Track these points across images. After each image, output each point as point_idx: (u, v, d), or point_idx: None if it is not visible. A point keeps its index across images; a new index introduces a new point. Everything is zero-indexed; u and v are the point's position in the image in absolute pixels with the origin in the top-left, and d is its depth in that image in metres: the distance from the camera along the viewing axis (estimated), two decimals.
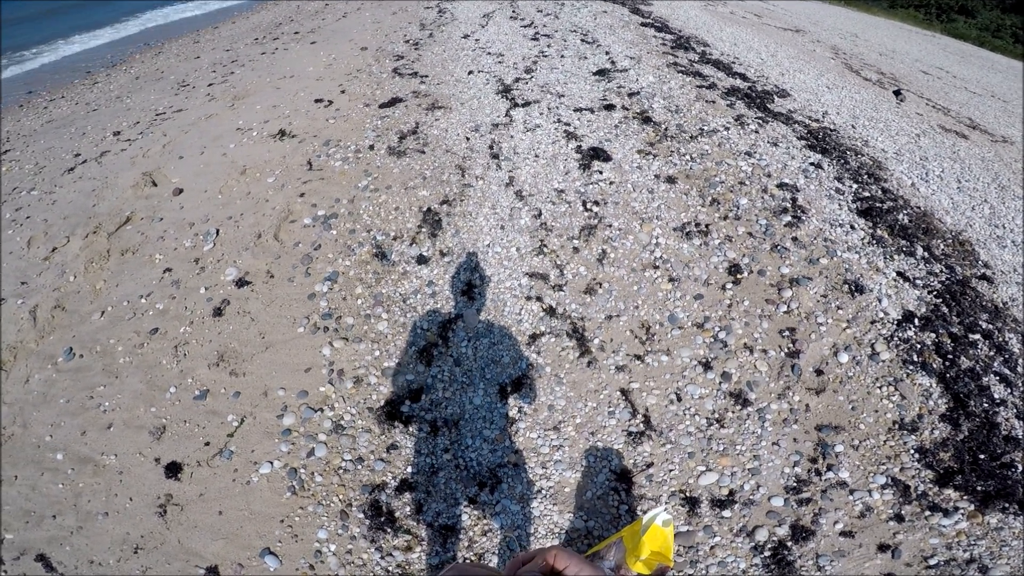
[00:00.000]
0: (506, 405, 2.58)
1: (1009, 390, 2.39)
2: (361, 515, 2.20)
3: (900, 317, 2.67)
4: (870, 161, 4.00)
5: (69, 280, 3.35)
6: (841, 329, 2.65)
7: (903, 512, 2.04)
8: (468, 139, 4.19)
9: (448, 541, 2.15)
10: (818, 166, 3.74)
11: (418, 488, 2.30)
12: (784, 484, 2.19)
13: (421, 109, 4.65)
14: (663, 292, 2.96)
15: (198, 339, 2.87)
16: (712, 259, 3.07)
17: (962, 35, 12.73)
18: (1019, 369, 2.48)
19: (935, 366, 2.46)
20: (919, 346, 2.54)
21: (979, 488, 2.06)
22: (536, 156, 3.96)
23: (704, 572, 1.99)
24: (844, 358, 2.54)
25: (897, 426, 2.29)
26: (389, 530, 2.16)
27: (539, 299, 2.99)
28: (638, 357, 2.71)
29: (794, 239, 3.11)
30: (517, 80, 5.13)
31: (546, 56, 5.72)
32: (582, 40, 6.17)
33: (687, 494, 2.22)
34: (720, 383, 2.55)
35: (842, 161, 3.87)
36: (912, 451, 2.21)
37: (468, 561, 2.06)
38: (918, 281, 2.87)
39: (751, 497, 2.17)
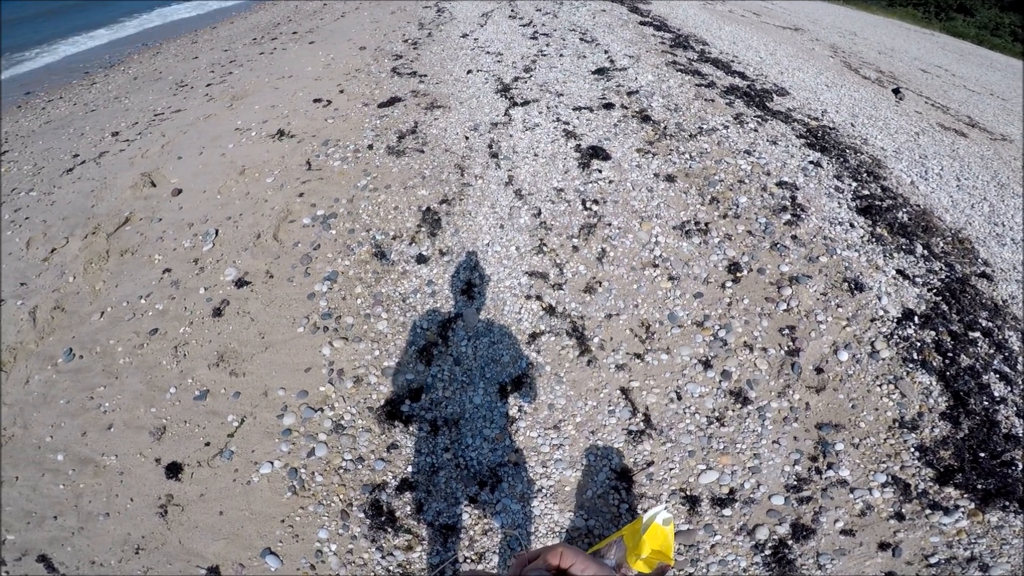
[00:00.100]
0: (506, 404, 2.58)
1: (1009, 388, 2.39)
2: (362, 515, 2.20)
3: (900, 315, 2.67)
4: (869, 159, 4.00)
5: (68, 281, 3.34)
6: (841, 327, 2.65)
7: (903, 510, 2.05)
8: (467, 138, 4.19)
9: (449, 540, 2.15)
10: (817, 164, 3.74)
11: (418, 487, 2.30)
12: (784, 482, 2.19)
13: (420, 108, 4.65)
14: (663, 290, 2.96)
15: (198, 339, 2.87)
16: (712, 257, 3.07)
17: (961, 33, 12.73)
18: (1019, 367, 2.49)
19: (935, 364, 2.47)
20: (919, 344, 2.54)
21: (979, 486, 2.06)
22: (535, 155, 3.95)
23: (705, 571, 2.00)
24: (844, 356, 2.54)
25: (897, 424, 2.29)
26: (390, 529, 2.16)
27: (539, 298, 2.99)
28: (638, 356, 2.71)
29: (794, 237, 3.11)
30: (516, 79, 5.12)
31: (545, 55, 5.72)
32: (581, 39, 6.17)
33: (687, 493, 2.22)
34: (720, 381, 2.56)
35: (841, 159, 3.87)
36: (912, 449, 2.21)
37: (471, 568, 2.06)
38: (918, 279, 2.88)
39: (751, 495, 2.17)
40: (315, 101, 4.96)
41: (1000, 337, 2.62)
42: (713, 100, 4.56)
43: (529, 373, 2.68)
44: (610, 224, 3.33)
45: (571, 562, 0.58)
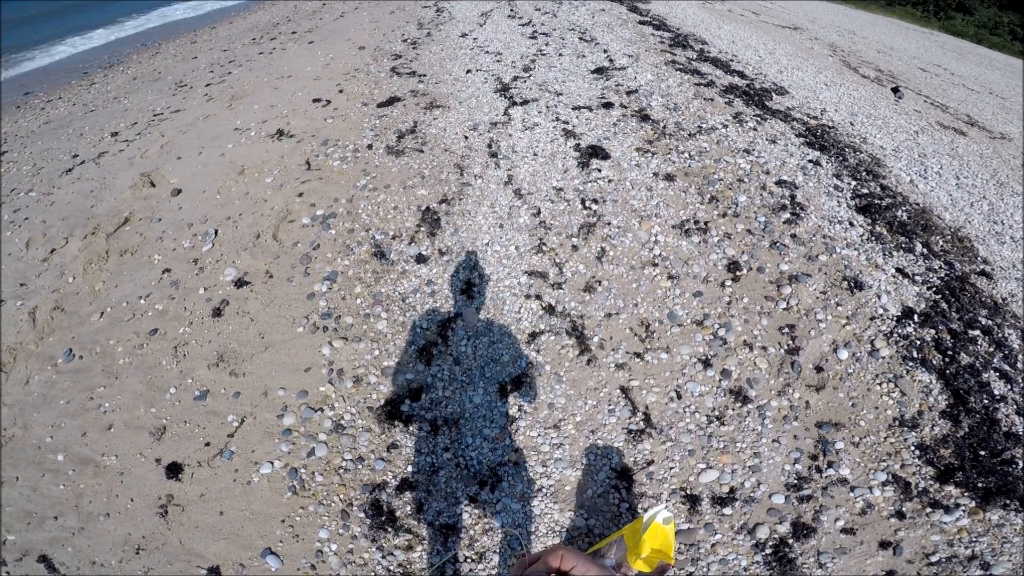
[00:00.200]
0: (506, 404, 2.58)
1: (1009, 386, 2.39)
2: (362, 514, 2.20)
3: (900, 313, 2.67)
4: (868, 158, 4.00)
5: (68, 281, 3.34)
6: (841, 326, 2.65)
7: (904, 509, 2.05)
8: (467, 138, 4.18)
9: (449, 540, 2.15)
10: (816, 163, 3.74)
11: (419, 487, 2.30)
12: (785, 481, 2.19)
13: (419, 108, 4.65)
14: (662, 290, 2.96)
15: (198, 339, 2.87)
16: (711, 256, 3.07)
17: (960, 32, 12.74)
18: (1019, 365, 2.49)
19: (935, 362, 2.47)
20: (919, 342, 2.54)
21: (980, 485, 2.06)
22: (535, 154, 3.95)
23: (705, 570, 1.99)
24: (844, 355, 2.54)
25: (897, 423, 2.29)
26: (390, 529, 2.16)
27: (538, 297, 2.99)
28: (638, 355, 2.71)
29: (793, 236, 3.11)
30: (515, 79, 5.12)
31: (544, 54, 5.72)
32: (580, 38, 6.17)
33: (688, 492, 2.22)
34: (720, 380, 2.55)
35: (840, 158, 3.87)
36: (912, 448, 2.21)
37: (471, 568, 2.06)
38: (917, 277, 2.88)
39: (752, 494, 2.17)
40: (314, 101, 4.96)
41: (1000, 335, 2.62)
42: (712, 99, 4.56)
43: (529, 372, 2.68)
44: (609, 223, 3.33)
45: (571, 564, 0.58)
